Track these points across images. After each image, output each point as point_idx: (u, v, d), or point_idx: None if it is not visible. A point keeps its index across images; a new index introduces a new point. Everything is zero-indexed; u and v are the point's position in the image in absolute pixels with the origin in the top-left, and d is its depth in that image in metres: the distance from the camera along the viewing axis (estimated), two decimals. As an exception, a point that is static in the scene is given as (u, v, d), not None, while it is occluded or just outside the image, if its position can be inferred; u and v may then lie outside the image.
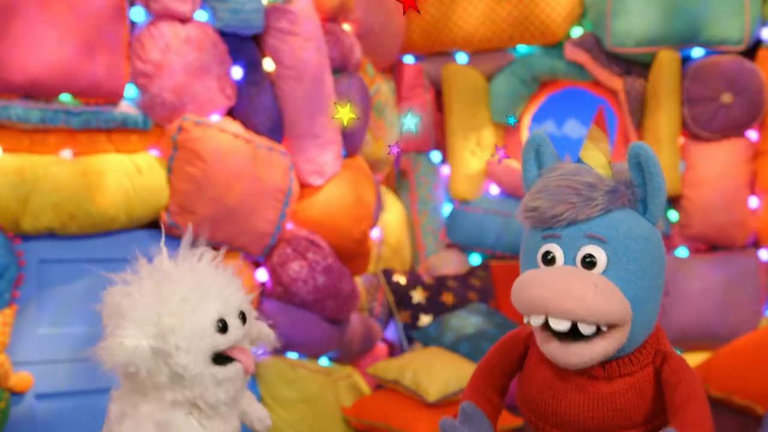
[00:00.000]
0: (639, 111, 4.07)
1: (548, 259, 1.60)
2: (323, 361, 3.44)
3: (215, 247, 1.84)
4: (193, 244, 1.74)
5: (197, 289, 1.65)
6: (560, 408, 1.64)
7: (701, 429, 1.52)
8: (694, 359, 3.83)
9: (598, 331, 1.55)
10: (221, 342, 1.64)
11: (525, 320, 1.59)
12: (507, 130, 4.31)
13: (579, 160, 1.66)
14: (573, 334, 1.56)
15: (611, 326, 1.55)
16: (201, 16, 3.04)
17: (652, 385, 1.64)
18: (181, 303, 1.63)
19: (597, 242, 1.57)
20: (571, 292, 1.52)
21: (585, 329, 1.53)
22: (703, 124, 3.96)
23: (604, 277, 1.56)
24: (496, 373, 1.78)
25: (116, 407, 1.66)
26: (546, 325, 1.57)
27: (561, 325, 1.53)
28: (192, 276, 1.66)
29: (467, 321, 3.81)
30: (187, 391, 1.63)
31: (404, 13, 1.65)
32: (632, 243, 1.58)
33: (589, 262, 1.57)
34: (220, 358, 1.66)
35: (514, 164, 4.17)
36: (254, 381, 3.25)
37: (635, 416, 1.62)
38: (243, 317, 1.69)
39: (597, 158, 1.65)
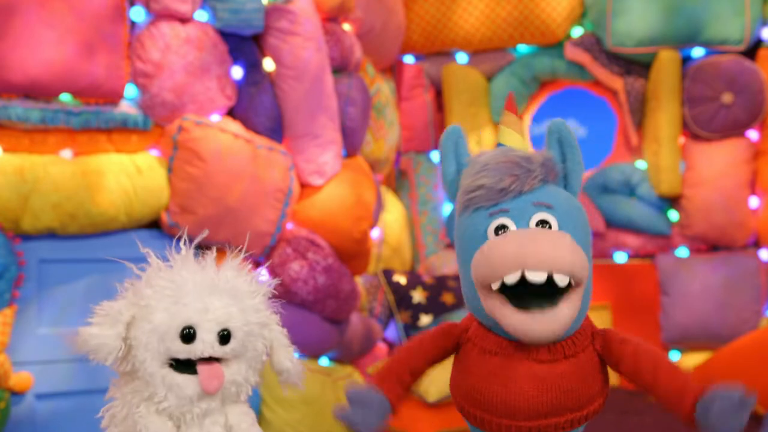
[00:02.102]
0: (639, 111, 4.07)
1: (501, 233, 1.61)
2: (323, 361, 3.44)
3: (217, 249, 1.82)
4: (199, 247, 1.68)
5: (180, 290, 1.57)
6: (510, 396, 1.64)
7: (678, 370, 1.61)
8: (694, 359, 3.83)
9: (568, 287, 1.56)
10: (179, 350, 1.56)
11: (494, 286, 1.57)
12: (507, 130, 4.31)
13: (500, 145, 1.71)
14: (541, 295, 1.56)
15: (577, 284, 1.57)
16: (201, 16, 3.04)
17: (593, 366, 1.67)
18: (151, 299, 1.56)
19: (545, 209, 1.62)
20: (549, 242, 1.55)
21: (561, 280, 1.54)
22: (703, 124, 3.96)
23: None
24: (419, 356, 1.80)
25: (119, 405, 1.63)
26: (514, 290, 1.55)
27: (539, 277, 1.53)
28: (185, 274, 1.59)
29: (467, 321, 3.80)
30: (147, 391, 1.58)
31: None
32: (573, 211, 1.65)
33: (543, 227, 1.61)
34: (182, 365, 1.57)
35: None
36: (254, 381, 3.25)
37: (580, 397, 1.65)
38: (224, 338, 1.59)
39: (516, 140, 1.70)
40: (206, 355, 1.57)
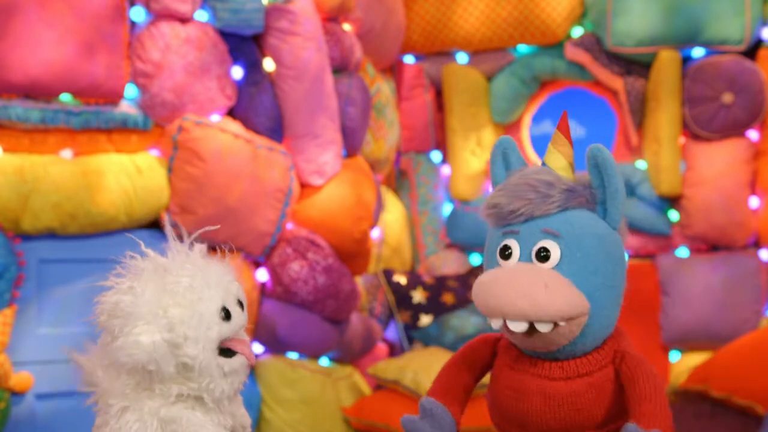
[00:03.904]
0: (639, 111, 4.07)
1: (506, 254, 1.66)
2: (323, 361, 3.44)
3: (215, 247, 1.84)
4: (185, 240, 1.72)
5: (199, 277, 1.62)
6: (522, 410, 1.68)
7: (658, 419, 1.54)
8: (694, 359, 3.83)
9: (556, 326, 1.60)
10: (226, 330, 1.62)
11: (487, 321, 1.65)
12: (507, 130, 4.31)
13: (544, 164, 1.73)
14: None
15: (570, 319, 1.60)
16: (201, 16, 3.04)
17: (613, 385, 1.66)
18: (187, 292, 1.60)
19: (551, 237, 1.63)
20: (523, 295, 1.58)
21: (542, 327, 1.59)
22: (703, 124, 3.96)
23: (556, 272, 1.61)
24: (463, 371, 1.82)
25: (118, 402, 1.62)
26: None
27: (519, 327, 1.60)
28: (191, 266, 1.64)
29: (468, 321, 3.81)
30: (194, 383, 1.60)
31: None
32: (585, 239, 1.64)
33: (543, 256, 1.63)
34: (225, 351, 1.64)
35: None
36: (254, 381, 3.25)
37: (597, 416, 1.65)
38: (241, 305, 1.68)
39: (559, 161, 1.70)
40: (242, 326, 1.66)
